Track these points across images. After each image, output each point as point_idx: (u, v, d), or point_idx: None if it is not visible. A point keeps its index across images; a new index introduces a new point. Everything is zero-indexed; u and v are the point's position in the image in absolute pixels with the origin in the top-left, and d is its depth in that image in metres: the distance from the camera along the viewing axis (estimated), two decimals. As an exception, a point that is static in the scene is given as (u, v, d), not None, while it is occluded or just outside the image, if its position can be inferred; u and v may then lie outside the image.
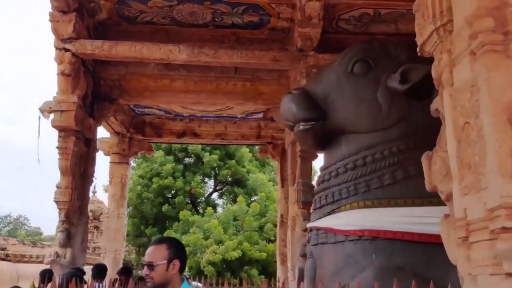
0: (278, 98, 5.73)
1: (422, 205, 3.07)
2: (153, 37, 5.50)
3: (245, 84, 5.68)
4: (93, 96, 5.38)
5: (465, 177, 1.25)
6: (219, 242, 13.48)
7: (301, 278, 3.96)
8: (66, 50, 4.77)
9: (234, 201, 16.35)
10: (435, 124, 3.27)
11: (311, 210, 3.68)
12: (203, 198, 17.45)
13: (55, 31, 4.76)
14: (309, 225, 3.57)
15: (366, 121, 3.36)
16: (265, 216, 14.71)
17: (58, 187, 4.93)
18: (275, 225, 14.45)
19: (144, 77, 5.57)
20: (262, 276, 13.33)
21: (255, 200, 15.66)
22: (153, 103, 6.11)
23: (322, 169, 3.62)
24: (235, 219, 14.53)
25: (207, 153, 15.64)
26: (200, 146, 15.46)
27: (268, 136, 7.49)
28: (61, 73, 4.78)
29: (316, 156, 5.20)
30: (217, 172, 16.27)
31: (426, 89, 3.30)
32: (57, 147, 4.91)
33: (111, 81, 5.54)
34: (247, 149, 16.77)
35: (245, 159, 16.69)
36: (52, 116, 5.01)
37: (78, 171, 5.08)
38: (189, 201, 16.57)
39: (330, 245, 3.28)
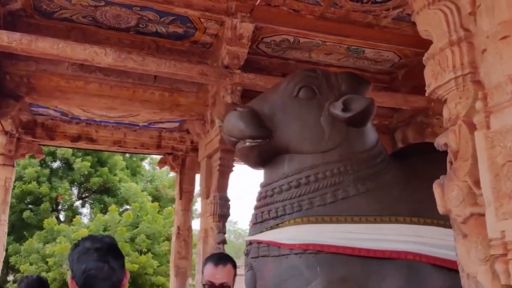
0: (195, 111, 5.83)
1: (360, 223, 3.41)
2: (68, 35, 5.21)
3: (163, 94, 5.63)
4: (-4, 91, 4.89)
5: (504, 205, 1.53)
6: (88, 253, 12.78)
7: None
8: (-23, 39, 4.30)
9: (103, 210, 15.66)
10: (366, 150, 3.70)
11: (250, 224, 3.80)
12: (66, 206, 16.40)
13: (-35, 16, 4.27)
14: (249, 238, 3.69)
15: (309, 142, 3.62)
16: (137, 227, 14.35)
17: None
18: (148, 237, 14.20)
19: (56, 76, 5.21)
20: (134, 288, 12.95)
21: (127, 210, 15.18)
22: (63, 104, 5.71)
23: (263, 185, 3.78)
24: (105, 229, 13.92)
25: (78, 159, 14.79)
26: (70, 150, 14.58)
27: (168, 146, 7.43)
28: (-31, 64, 4.28)
29: (232, 170, 5.34)
30: (87, 179, 15.41)
31: (363, 119, 3.71)
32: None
33: (19, 77, 5.08)
34: (121, 157, 16.25)
35: (118, 167, 16.13)
36: None
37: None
38: (54, 209, 15.43)
39: (272, 258, 3.44)
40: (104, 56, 4.62)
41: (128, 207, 15.87)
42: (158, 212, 15.18)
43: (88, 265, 1.68)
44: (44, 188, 14.28)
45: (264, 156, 3.70)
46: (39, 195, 14.48)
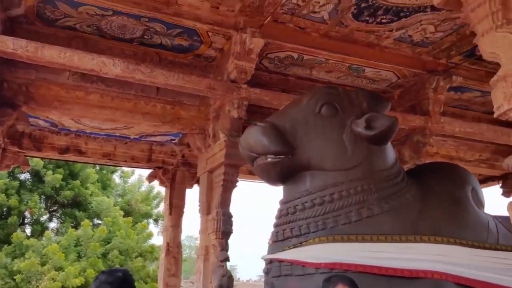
0: (195, 124, 5.75)
1: (386, 242, 3.40)
2: (69, 43, 5.06)
3: (165, 107, 5.52)
4: (-7, 99, 4.67)
5: None
6: (59, 269, 12.32)
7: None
8: (-19, 44, 4.10)
9: (73, 224, 15.16)
10: (387, 169, 3.71)
11: (269, 242, 3.72)
12: (33, 220, 15.77)
13: (-30, 20, 4.08)
14: (269, 256, 3.61)
15: (332, 160, 3.60)
16: (110, 242, 13.94)
17: None
18: (121, 253, 13.81)
19: (56, 85, 5.03)
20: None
21: (99, 225, 14.73)
22: (63, 115, 5.50)
23: (284, 202, 3.73)
24: (77, 244, 13.45)
25: (49, 171, 14.29)
26: (42, 162, 14.09)
27: (159, 160, 7.28)
28: (-30, 69, 4.07)
29: (236, 186, 5.26)
30: (58, 192, 14.87)
31: (385, 137, 3.73)
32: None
33: (17, 85, 4.88)
34: (93, 170, 15.83)
35: (90, 180, 15.68)
36: None
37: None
38: (22, 222, 14.82)
39: (296, 277, 3.38)
40: (112, 67, 4.50)
41: (99, 221, 15.41)
42: (131, 227, 14.81)
43: None
44: (13, 200, 13.70)
45: (286, 172, 3.65)
46: (7, 208, 13.88)
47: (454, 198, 3.79)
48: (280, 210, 3.72)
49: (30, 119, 6.23)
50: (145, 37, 5.17)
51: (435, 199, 3.73)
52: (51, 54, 4.30)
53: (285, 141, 3.61)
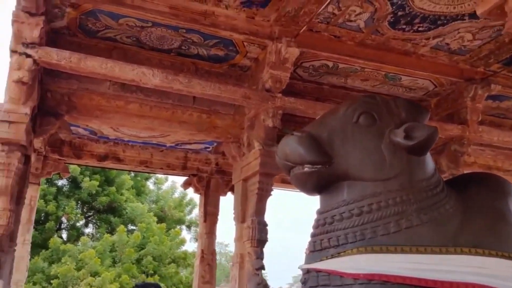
0: (230, 133, 5.81)
1: (426, 253, 3.35)
2: (110, 54, 5.21)
3: (201, 116, 5.61)
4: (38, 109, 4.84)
5: None
6: (95, 274, 12.58)
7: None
8: (27, 55, 4.27)
9: (108, 230, 15.46)
10: (426, 179, 3.66)
11: (306, 252, 3.72)
12: (69, 226, 16.16)
13: (17, 33, 4.24)
14: (306, 266, 3.61)
15: (370, 170, 3.57)
16: (144, 248, 14.16)
17: (-8, 208, 4.27)
18: (154, 259, 13.99)
19: (97, 95, 5.18)
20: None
21: (133, 230, 14.98)
22: (103, 124, 5.67)
23: (321, 212, 3.72)
24: (112, 250, 13.71)
25: (86, 177, 14.64)
26: (78, 168, 14.45)
27: (193, 168, 7.38)
28: (18, 81, 4.23)
29: (270, 194, 5.28)
30: (94, 198, 15.22)
31: (425, 147, 3.69)
32: (-2, 162, 4.29)
33: (60, 95, 5.05)
34: (128, 176, 16.12)
35: (125, 187, 15.98)
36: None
37: (15, 191, 4.47)
38: (58, 228, 15.21)
39: (334, 288, 3.37)
40: (152, 77, 4.61)
41: (133, 227, 15.67)
42: (164, 234, 15.01)
43: None
44: (51, 206, 14.09)
45: (323, 182, 3.64)
46: (45, 213, 14.28)
47: (494, 209, 3.70)
48: (317, 220, 3.71)
49: (72, 128, 6.43)
50: (183, 47, 5.27)
51: (476, 210, 3.65)
52: (93, 65, 4.44)
53: (322, 150, 3.60)
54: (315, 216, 3.78)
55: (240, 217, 5.45)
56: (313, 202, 4.07)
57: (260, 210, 5.17)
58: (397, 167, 3.58)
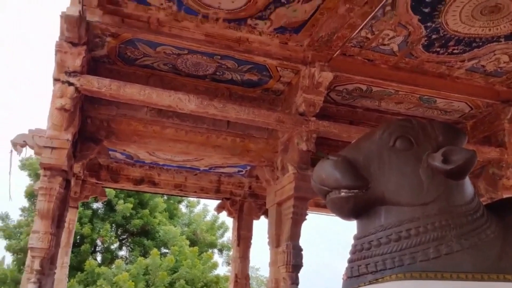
0: (264, 157, 5.84)
1: (467, 280, 3.27)
2: (147, 81, 5.37)
3: (235, 140, 5.69)
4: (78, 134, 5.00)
5: None
6: (129, 297, 12.67)
7: None
8: (70, 84, 4.44)
9: (142, 253, 15.58)
10: (466, 204, 3.59)
11: (344, 278, 3.68)
12: (103, 248, 16.36)
13: (60, 62, 4.43)
14: (344, 292, 3.56)
15: (408, 194, 3.52)
16: (176, 271, 14.19)
17: (34, 232, 4.40)
18: (187, 282, 14.00)
19: (135, 120, 5.34)
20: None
21: (166, 253, 15.06)
22: (140, 148, 5.82)
23: (358, 237, 3.67)
24: (146, 273, 13.79)
25: (121, 200, 14.87)
26: (113, 191, 14.69)
27: (227, 191, 7.43)
28: (60, 108, 4.40)
29: (305, 219, 5.26)
30: (128, 221, 15.41)
31: (463, 171, 3.63)
32: (40, 187, 4.44)
33: (99, 121, 5.22)
34: (161, 199, 16.28)
35: (158, 210, 16.13)
36: (24, 150, 4.59)
37: (56, 215, 4.60)
38: (93, 250, 15.43)
39: (372, 314, 3.31)
40: (188, 103, 4.72)
41: (166, 250, 15.76)
42: (196, 257, 15.02)
43: None
44: (86, 229, 14.33)
45: (359, 207, 3.60)
46: (80, 236, 14.52)
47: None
48: (354, 246, 3.67)
49: (110, 152, 6.59)
50: (217, 73, 5.38)
51: (518, 236, 3.55)
52: (132, 92, 4.58)
53: (359, 175, 3.58)
54: (352, 241, 3.74)
55: (275, 242, 5.44)
56: (349, 226, 4.04)
57: (295, 234, 5.16)
58: (435, 191, 3.53)
